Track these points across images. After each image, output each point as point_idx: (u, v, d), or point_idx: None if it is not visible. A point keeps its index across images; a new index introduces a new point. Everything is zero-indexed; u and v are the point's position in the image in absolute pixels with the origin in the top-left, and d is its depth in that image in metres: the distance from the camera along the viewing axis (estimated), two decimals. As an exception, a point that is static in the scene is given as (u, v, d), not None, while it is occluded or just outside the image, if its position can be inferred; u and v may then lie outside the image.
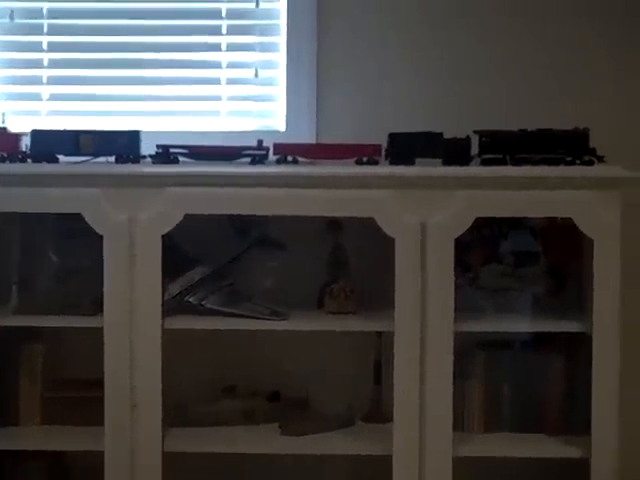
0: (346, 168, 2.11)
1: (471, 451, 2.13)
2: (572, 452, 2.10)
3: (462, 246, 2.14)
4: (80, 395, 2.22)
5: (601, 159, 2.08)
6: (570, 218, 2.03)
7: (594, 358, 2.03)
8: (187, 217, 2.06)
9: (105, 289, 2.06)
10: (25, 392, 2.24)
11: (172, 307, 2.13)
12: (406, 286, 2.03)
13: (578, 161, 2.08)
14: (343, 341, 2.32)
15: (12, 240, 2.28)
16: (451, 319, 2.03)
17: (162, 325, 2.07)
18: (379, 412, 2.27)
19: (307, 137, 2.38)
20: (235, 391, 2.31)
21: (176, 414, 2.23)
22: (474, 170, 2.08)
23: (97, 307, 2.09)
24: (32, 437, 2.21)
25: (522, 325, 2.15)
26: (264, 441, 2.20)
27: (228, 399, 2.28)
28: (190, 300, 2.16)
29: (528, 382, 2.22)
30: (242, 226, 2.27)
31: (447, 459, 2.05)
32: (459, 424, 2.19)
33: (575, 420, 2.15)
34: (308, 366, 2.35)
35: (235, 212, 2.11)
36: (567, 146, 2.10)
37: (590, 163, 2.08)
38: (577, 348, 2.14)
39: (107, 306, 2.06)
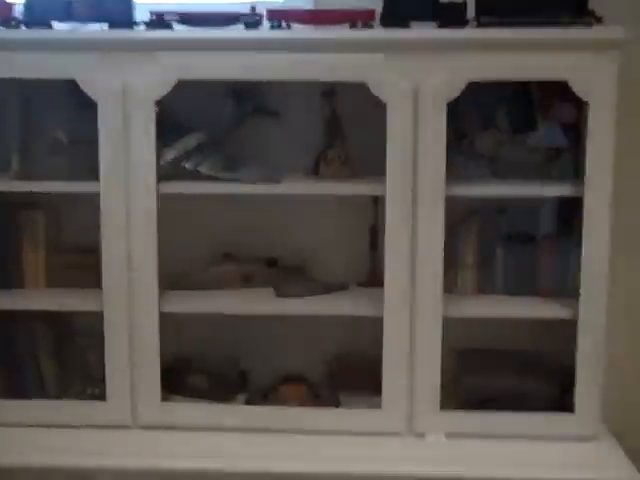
0: (339, 32, 2.09)
1: (462, 312, 2.17)
2: (563, 313, 2.14)
3: (458, 113, 2.14)
4: (82, 259, 2.28)
5: (599, 20, 2.04)
6: (566, 82, 2.02)
7: (584, 221, 2.05)
8: (181, 83, 2.06)
9: (100, 155, 2.09)
10: (29, 257, 2.30)
11: (168, 173, 2.16)
12: (398, 150, 2.04)
13: (576, 23, 2.04)
14: (339, 207, 2.36)
15: (12, 108, 2.29)
16: (443, 183, 2.04)
17: (157, 190, 2.10)
18: (375, 277, 2.31)
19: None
20: (234, 257, 2.36)
21: (175, 279, 2.29)
22: (468, 33, 2.04)
23: (96, 174, 2.12)
24: (37, 298, 2.27)
25: (517, 189, 2.14)
26: (260, 302, 2.25)
27: (227, 264, 2.34)
28: (185, 166, 2.18)
29: (522, 246, 2.25)
30: (238, 94, 2.27)
31: (437, 320, 2.10)
32: (452, 287, 2.26)
33: (567, 283, 2.19)
34: (305, 233, 2.39)
35: (228, 78, 2.10)
36: (565, 8, 2.06)
37: (588, 24, 2.04)
38: (572, 213, 2.15)
39: (103, 171, 2.09)
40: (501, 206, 2.27)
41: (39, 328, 2.31)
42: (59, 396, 2.30)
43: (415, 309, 2.11)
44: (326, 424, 2.18)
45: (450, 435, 2.15)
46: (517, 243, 2.25)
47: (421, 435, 2.15)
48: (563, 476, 2.01)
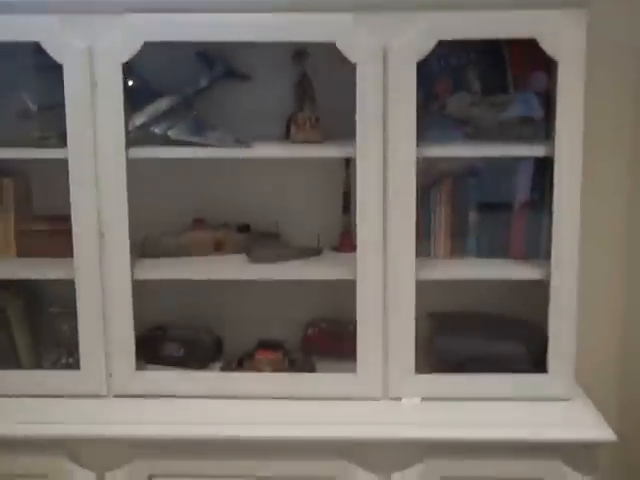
0: (307, -9, 2.06)
1: (435, 275, 2.16)
2: (535, 274, 2.13)
3: (429, 75, 2.13)
4: (53, 228, 2.25)
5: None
6: (536, 40, 2.00)
7: (555, 179, 2.04)
8: (149, 46, 2.03)
9: (67, 120, 2.05)
10: (-1, 226, 2.29)
11: (137, 138, 2.13)
12: (368, 111, 2.01)
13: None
14: (312, 172, 2.33)
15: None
16: (414, 144, 2.02)
17: (126, 155, 2.07)
18: (348, 241, 2.29)
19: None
20: (205, 223, 2.34)
21: (147, 246, 2.27)
22: (437, -10, 2.02)
23: (64, 140, 2.09)
24: (8, 268, 2.24)
25: (488, 150, 2.12)
26: (232, 268, 2.23)
27: (198, 230, 2.32)
28: (155, 130, 2.16)
29: (494, 210, 2.24)
30: (207, 57, 2.24)
31: (410, 283, 2.09)
32: (425, 250, 2.25)
33: (540, 246, 2.18)
34: (278, 198, 2.37)
35: (196, 39, 2.06)
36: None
37: (557, -19, 2.02)
38: (545, 176, 2.14)
39: (70, 137, 2.06)
40: (474, 169, 2.25)
41: (11, 298, 2.28)
42: (33, 366, 2.28)
43: (388, 273, 2.09)
44: (302, 390, 2.16)
45: (426, 399, 2.15)
46: (490, 207, 2.24)
47: (397, 399, 2.15)
48: (537, 437, 2.00)
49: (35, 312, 2.33)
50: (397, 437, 2.03)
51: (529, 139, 2.14)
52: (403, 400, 2.14)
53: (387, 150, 2.03)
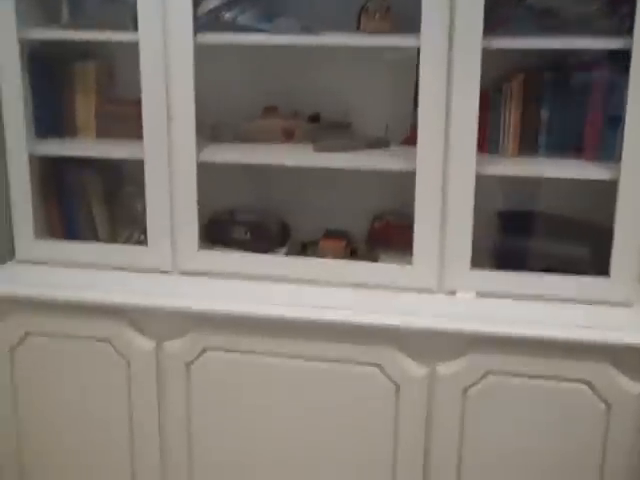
0: None
1: (500, 170, 2.12)
2: (604, 174, 2.05)
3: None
4: (130, 110, 2.32)
5: None
6: None
7: (631, 75, 1.94)
8: None
9: (138, 3, 2.11)
10: (81, 107, 2.37)
11: (207, 23, 2.16)
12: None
13: None
14: (383, 63, 2.30)
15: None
16: (480, 32, 1.96)
17: (195, 40, 2.11)
18: (417, 135, 2.27)
19: None
20: (276, 111, 2.36)
21: (217, 131, 2.33)
22: None
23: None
24: (87, 147, 2.35)
25: (564, 42, 2.02)
26: (297, 155, 2.26)
27: (269, 118, 2.35)
28: (225, 16, 2.18)
29: (568, 106, 2.15)
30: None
31: (470, 177, 2.06)
32: (494, 147, 2.20)
33: (612, 146, 2.09)
34: (350, 89, 2.35)
35: None
36: None
37: None
38: (621, 70, 2.03)
39: (141, 21, 2.11)
40: (548, 64, 2.16)
41: (90, 176, 2.40)
42: (109, 241, 2.41)
43: (448, 166, 2.07)
44: (359, 278, 2.20)
45: (481, 294, 2.14)
46: (564, 104, 2.14)
47: (452, 292, 2.15)
48: (590, 337, 1.97)
49: (113, 191, 2.45)
50: (445, 328, 2.03)
51: (609, 32, 2.03)
52: (457, 294, 2.15)
53: (453, 38, 1.98)
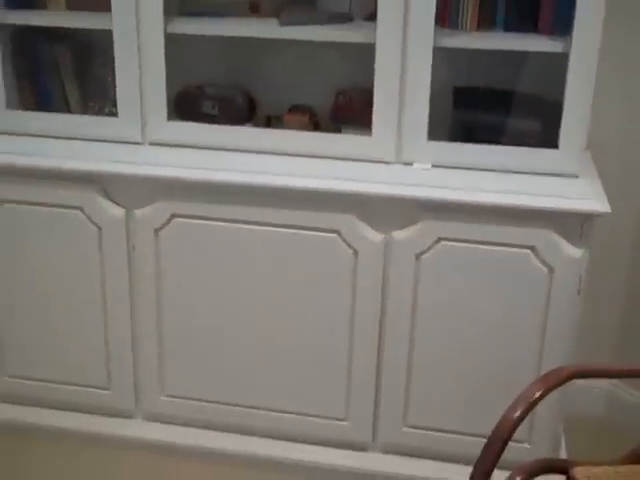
0: None
1: (456, 43, 2.18)
2: (556, 47, 2.11)
3: None
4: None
5: None
6: None
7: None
8: None
9: None
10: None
11: None
12: None
13: None
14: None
15: None
16: None
17: None
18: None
19: None
20: (243, -15, 2.41)
21: (185, 4, 2.37)
22: None
23: None
24: (57, 17, 2.38)
25: None
26: (263, 27, 2.30)
27: (235, -10, 2.39)
28: None
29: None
30: None
31: (427, 50, 2.11)
32: (454, 22, 2.25)
33: (565, 21, 2.14)
34: (315, -36, 2.41)
35: None
36: None
37: None
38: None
39: None
40: None
41: (61, 48, 2.44)
42: (80, 113, 2.47)
43: (407, 38, 2.13)
44: (321, 149, 2.28)
45: (437, 166, 2.23)
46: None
47: (409, 163, 2.24)
48: (535, 204, 2.08)
49: (84, 63, 2.49)
50: (401, 194, 2.14)
51: None
52: (414, 165, 2.24)
53: None
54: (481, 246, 2.14)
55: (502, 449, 1.64)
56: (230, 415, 2.43)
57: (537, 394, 1.69)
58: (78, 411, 2.52)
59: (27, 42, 2.43)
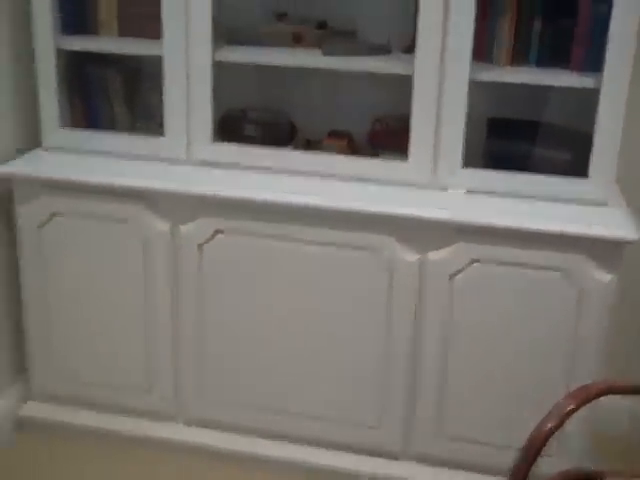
0: None
1: (491, 77, 2.28)
2: (588, 82, 2.21)
3: None
4: (152, 9, 2.45)
5: None
6: None
7: None
8: None
9: None
10: (104, 5, 2.49)
11: None
12: None
13: None
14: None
15: None
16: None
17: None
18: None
19: None
20: (286, 17, 2.52)
21: (232, 34, 2.49)
22: None
23: None
24: (110, 43, 2.50)
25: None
26: (306, 58, 2.41)
27: (280, 23, 2.50)
28: None
29: (559, 18, 2.30)
30: None
31: (464, 82, 2.23)
32: (488, 57, 2.35)
33: (596, 58, 2.24)
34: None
35: None
36: None
37: None
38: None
39: None
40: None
41: (111, 71, 2.57)
42: (128, 132, 2.58)
43: (444, 70, 2.24)
44: (360, 171, 2.39)
45: (471, 191, 2.33)
46: (555, 16, 2.30)
47: (444, 189, 2.35)
48: (567, 229, 2.16)
49: (133, 86, 2.61)
50: (436, 217, 2.22)
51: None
52: (449, 190, 2.34)
53: (452, -50, 2.14)
54: (513, 268, 2.22)
55: (535, 458, 1.71)
56: (266, 421, 2.51)
57: (569, 408, 1.77)
58: (119, 413, 2.60)
59: (80, 65, 2.56)
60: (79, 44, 2.48)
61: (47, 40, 2.44)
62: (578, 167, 2.30)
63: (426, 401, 2.38)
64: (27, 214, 2.44)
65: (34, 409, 2.64)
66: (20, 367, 2.65)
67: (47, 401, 2.64)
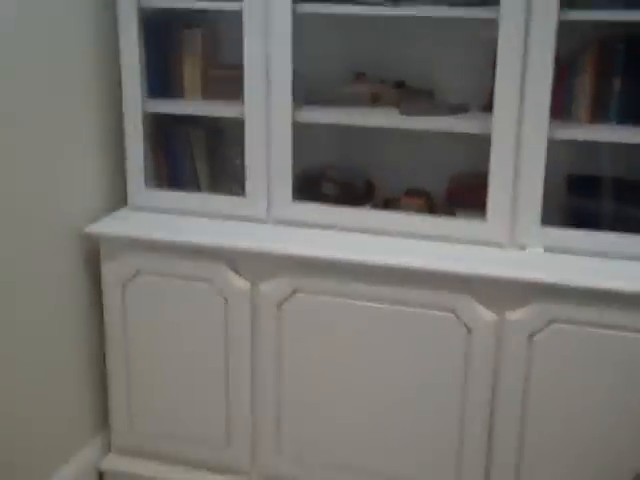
0: None
1: (571, 135, 2.29)
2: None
3: None
4: (233, 74, 2.54)
5: None
6: None
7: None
8: None
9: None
10: (188, 71, 2.60)
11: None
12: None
13: None
14: (467, 33, 2.48)
15: None
16: (555, 6, 2.13)
17: (293, 10, 2.32)
18: (495, 102, 2.45)
19: None
20: (365, 77, 2.57)
21: (312, 95, 2.55)
22: None
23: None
24: (194, 106, 2.59)
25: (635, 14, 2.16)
26: (384, 118, 2.45)
27: (358, 83, 2.55)
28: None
29: (638, 75, 2.29)
30: None
31: (542, 141, 2.23)
32: (567, 114, 2.35)
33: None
34: (433, 58, 2.56)
35: None
36: None
37: None
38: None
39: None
40: (621, 35, 2.30)
41: (195, 132, 2.66)
42: (210, 192, 2.66)
43: (522, 130, 2.24)
44: (437, 231, 2.40)
45: (549, 250, 2.32)
46: (634, 73, 2.29)
47: (522, 248, 2.33)
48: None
49: (215, 147, 2.70)
50: (514, 277, 2.21)
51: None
52: (527, 249, 2.33)
53: (530, 10, 2.16)
54: (593, 329, 2.19)
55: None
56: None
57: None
58: (198, 468, 2.64)
59: (166, 126, 2.66)
60: (165, 107, 2.59)
61: (135, 104, 2.54)
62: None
63: (503, 465, 2.34)
64: (112, 271, 2.53)
65: (115, 462, 2.70)
66: (103, 420, 2.73)
67: (127, 455, 2.70)
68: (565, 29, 2.18)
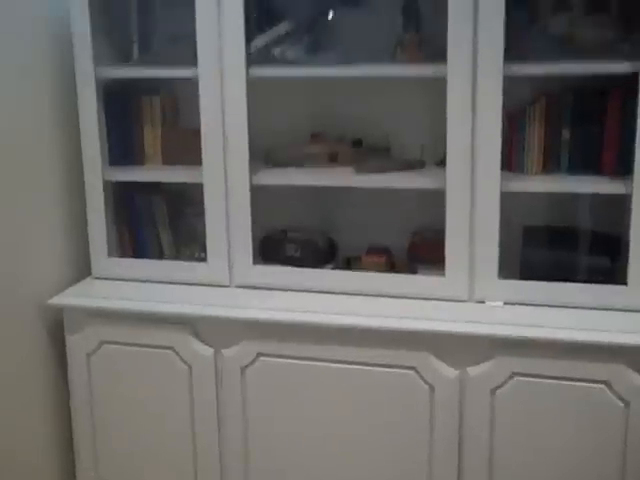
0: None
1: (522, 187, 2.31)
2: (620, 189, 2.22)
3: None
4: (192, 138, 2.55)
5: None
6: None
7: None
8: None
9: (197, 42, 2.36)
10: (148, 137, 2.63)
11: (257, 60, 2.40)
12: (458, 25, 2.17)
13: None
14: (418, 90, 2.50)
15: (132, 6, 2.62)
16: (501, 59, 2.16)
17: (247, 74, 2.36)
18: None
19: None
20: (321, 137, 2.59)
21: (269, 156, 2.57)
22: None
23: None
24: (154, 173, 2.62)
25: (583, 67, 2.20)
26: (341, 177, 2.48)
27: (315, 144, 2.58)
28: (274, 53, 2.42)
29: (587, 126, 2.31)
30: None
31: (495, 195, 2.25)
32: (519, 166, 2.38)
33: (627, 163, 2.23)
34: (388, 116, 2.58)
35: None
36: None
37: None
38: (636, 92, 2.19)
39: (200, 58, 2.37)
40: (568, 87, 2.33)
41: (156, 199, 2.67)
42: (173, 258, 2.67)
43: (475, 184, 2.26)
44: (398, 289, 2.41)
45: (508, 303, 2.32)
46: (583, 125, 2.32)
47: (481, 301, 2.34)
48: (607, 339, 2.12)
49: (176, 212, 2.71)
50: (474, 332, 2.21)
51: (624, 57, 2.18)
52: (486, 302, 2.33)
53: (476, 67, 2.18)
54: (555, 381, 2.18)
55: None
56: None
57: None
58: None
59: (126, 194, 2.67)
60: (126, 175, 2.61)
61: (96, 173, 2.56)
62: (617, 273, 2.28)
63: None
64: (76, 342, 2.52)
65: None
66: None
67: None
68: (513, 83, 2.21)
